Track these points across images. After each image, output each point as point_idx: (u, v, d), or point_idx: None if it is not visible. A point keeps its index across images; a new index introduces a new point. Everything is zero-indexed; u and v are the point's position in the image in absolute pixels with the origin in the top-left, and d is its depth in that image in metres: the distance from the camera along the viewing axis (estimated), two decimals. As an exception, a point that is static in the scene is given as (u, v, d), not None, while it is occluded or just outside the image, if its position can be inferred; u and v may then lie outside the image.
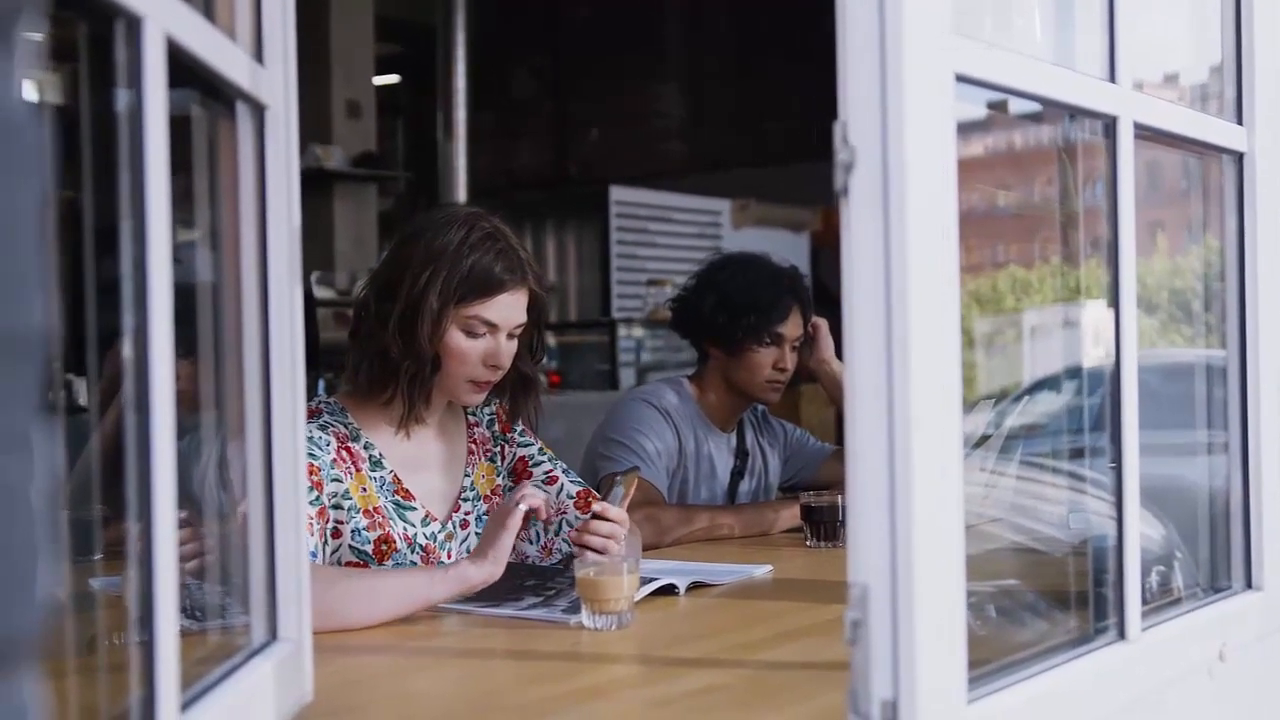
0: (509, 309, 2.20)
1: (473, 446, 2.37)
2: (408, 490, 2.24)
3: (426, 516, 2.24)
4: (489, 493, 2.37)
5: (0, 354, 0.56)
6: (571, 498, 2.35)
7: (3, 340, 0.56)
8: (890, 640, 1.17)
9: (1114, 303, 1.53)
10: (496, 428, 2.42)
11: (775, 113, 9.05)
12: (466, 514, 2.32)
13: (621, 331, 7.52)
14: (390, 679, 1.69)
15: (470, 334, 2.18)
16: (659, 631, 1.93)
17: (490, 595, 2.04)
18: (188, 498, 1.17)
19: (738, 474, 3.14)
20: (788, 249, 6.79)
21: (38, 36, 0.62)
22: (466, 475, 2.34)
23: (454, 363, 2.19)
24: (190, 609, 1.32)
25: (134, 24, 0.99)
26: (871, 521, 1.17)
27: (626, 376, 7.44)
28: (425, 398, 2.22)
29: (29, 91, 0.59)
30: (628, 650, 1.79)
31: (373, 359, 2.20)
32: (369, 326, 2.19)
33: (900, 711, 1.16)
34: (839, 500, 2.66)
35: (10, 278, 0.57)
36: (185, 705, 1.09)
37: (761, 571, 2.36)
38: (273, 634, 1.37)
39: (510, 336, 2.22)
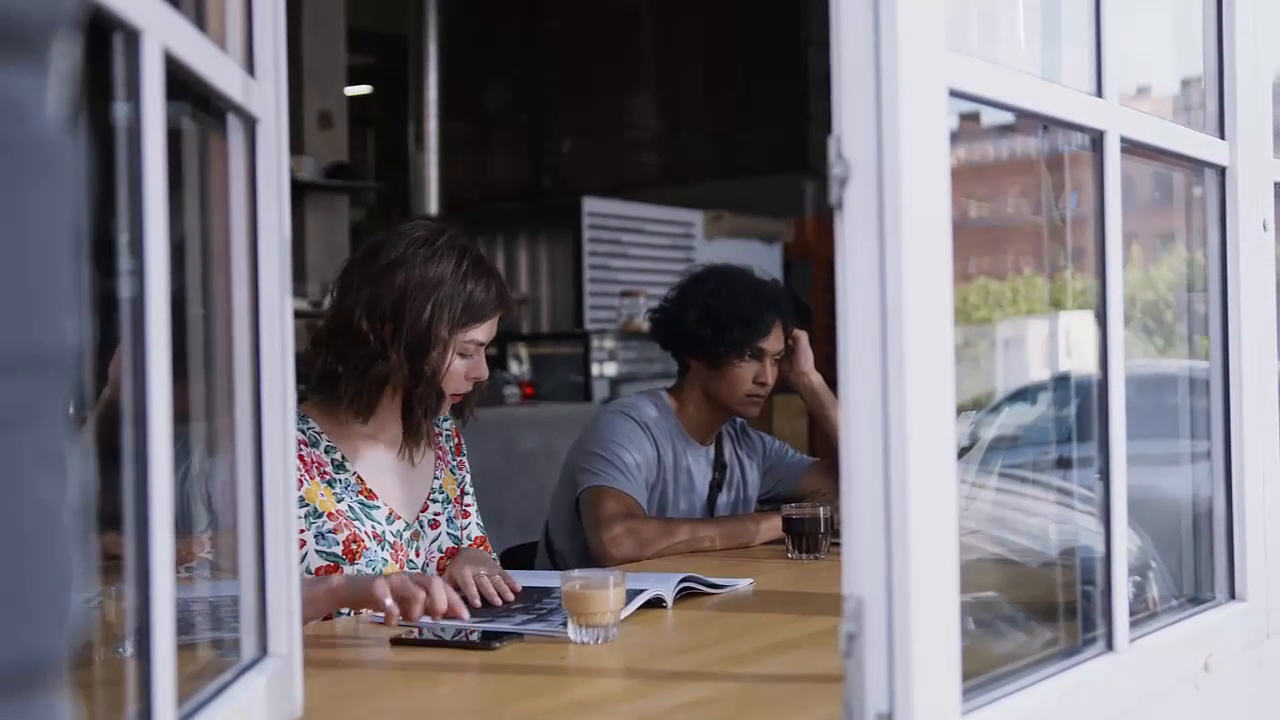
0: (494, 327, 2.34)
1: (439, 453, 2.46)
2: (371, 490, 2.30)
3: (390, 514, 2.30)
4: (455, 498, 2.46)
5: (35, 371, 0.56)
6: (470, 540, 2.44)
7: (38, 358, 0.56)
8: (885, 653, 1.17)
9: (1101, 315, 1.54)
10: (452, 445, 2.52)
11: (748, 125, 9.07)
12: (436, 514, 2.40)
13: (595, 343, 7.50)
14: (379, 694, 1.68)
15: (462, 355, 2.30)
16: (645, 645, 1.92)
17: (482, 613, 2.03)
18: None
19: (716, 487, 3.14)
20: (760, 260, 6.78)
21: (72, 55, 0.62)
22: (436, 478, 2.43)
23: (446, 382, 2.29)
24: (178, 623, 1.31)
25: (132, 37, 0.98)
26: (866, 534, 1.17)
27: (600, 388, 7.42)
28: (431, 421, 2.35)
29: (62, 109, 0.59)
30: (615, 664, 1.79)
31: (375, 384, 2.26)
32: (365, 351, 2.23)
33: (895, 724, 1.16)
34: (820, 512, 2.66)
35: (45, 295, 0.57)
36: (179, 722, 1.08)
37: (744, 584, 2.36)
38: (263, 649, 1.36)
39: (487, 350, 2.35)
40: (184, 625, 1.38)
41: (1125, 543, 1.54)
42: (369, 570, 2.22)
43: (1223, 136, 1.83)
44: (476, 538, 2.46)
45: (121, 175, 1.01)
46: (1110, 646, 1.52)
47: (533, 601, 2.13)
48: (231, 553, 1.38)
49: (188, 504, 1.50)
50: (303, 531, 2.18)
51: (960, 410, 2.22)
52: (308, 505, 2.20)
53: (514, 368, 7.45)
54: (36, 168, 0.56)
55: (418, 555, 2.35)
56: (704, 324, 3.00)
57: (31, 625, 0.56)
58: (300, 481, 2.20)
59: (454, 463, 2.50)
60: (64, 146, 0.58)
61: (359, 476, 2.29)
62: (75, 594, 0.59)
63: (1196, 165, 1.84)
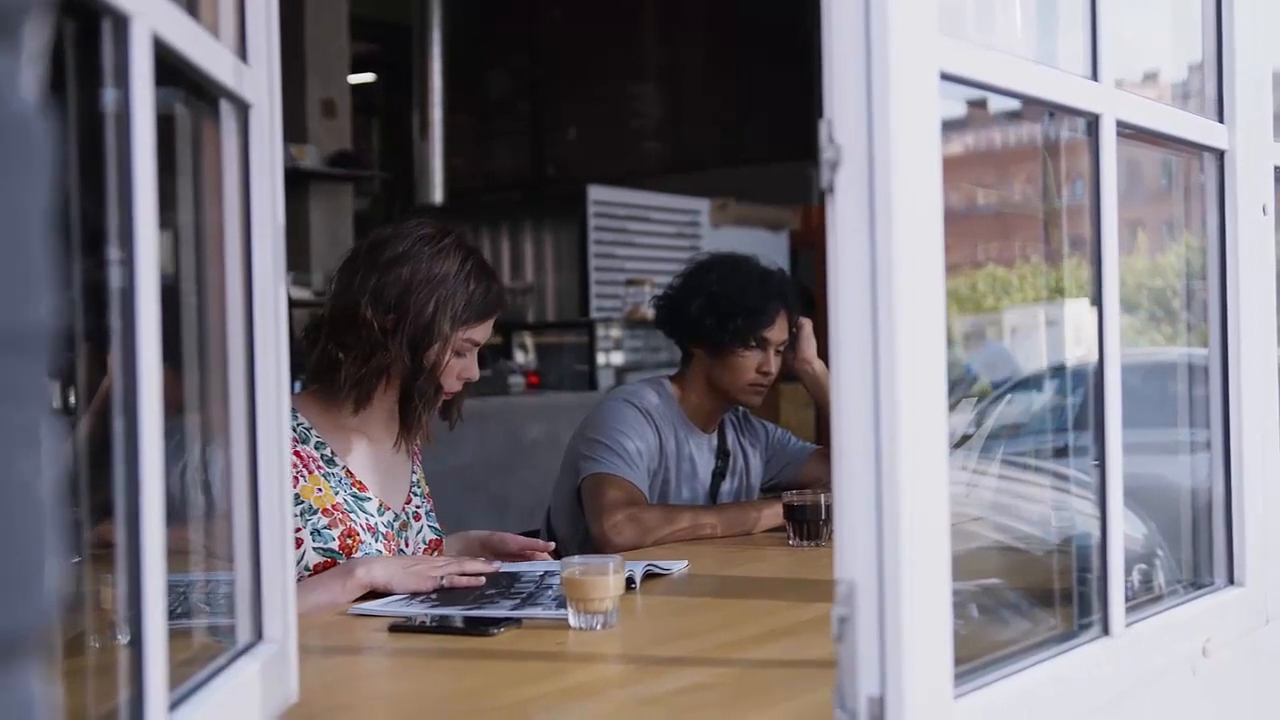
0: (490, 329, 2.38)
1: (415, 450, 2.50)
2: (361, 482, 2.33)
3: (381, 506, 2.34)
4: (427, 494, 2.51)
5: (10, 350, 0.57)
6: (425, 543, 2.45)
7: (12, 337, 0.57)
8: (877, 637, 1.17)
9: (1097, 301, 1.54)
10: (418, 444, 2.54)
11: (753, 112, 9.07)
12: (417, 508, 2.45)
13: (600, 332, 7.50)
14: (375, 680, 1.68)
15: (458, 354, 2.33)
16: (644, 631, 1.93)
17: (463, 601, 2.03)
18: (169, 499, 1.16)
19: (719, 474, 3.14)
20: (766, 249, 6.80)
21: (43, 36, 0.62)
22: (414, 472, 2.47)
23: (442, 377, 2.32)
24: (173, 609, 1.31)
25: (121, 23, 0.98)
26: (858, 518, 1.17)
27: (605, 377, 7.43)
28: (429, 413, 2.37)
29: (34, 90, 0.59)
30: (613, 649, 1.79)
31: (374, 374, 2.28)
32: (368, 340, 2.26)
33: (887, 708, 1.16)
34: (821, 499, 2.66)
35: (19, 276, 0.57)
36: (172, 706, 1.08)
37: (679, 567, 2.37)
38: (258, 635, 1.37)
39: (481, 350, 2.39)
40: (183, 610, 1.39)
41: (1121, 528, 1.54)
42: None
43: (1222, 120, 1.83)
44: (431, 540, 2.47)
45: (111, 163, 1.01)
46: (1106, 631, 1.52)
47: (506, 587, 2.14)
48: (228, 539, 1.39)
49: (190, 495, 1.51)
50: (299, 530, 2.19)
51: (968, 397, 2.23)
52: (303, 503, 2.22)
53: (519, 357, 7.46)
54: (8, 149, 0.57)
55: (406, 545, 2.38)
56: (708, 312, 3.00)
57: (5, 601, 0.56)
58: (297, 479, 2.22)
59: (422, 461, 2.54)
60: (37, 128, 0.59)
61: (348, 470, 2.32)
62: (51, 572, 0.60)
63: (1195, 149, 1.83)
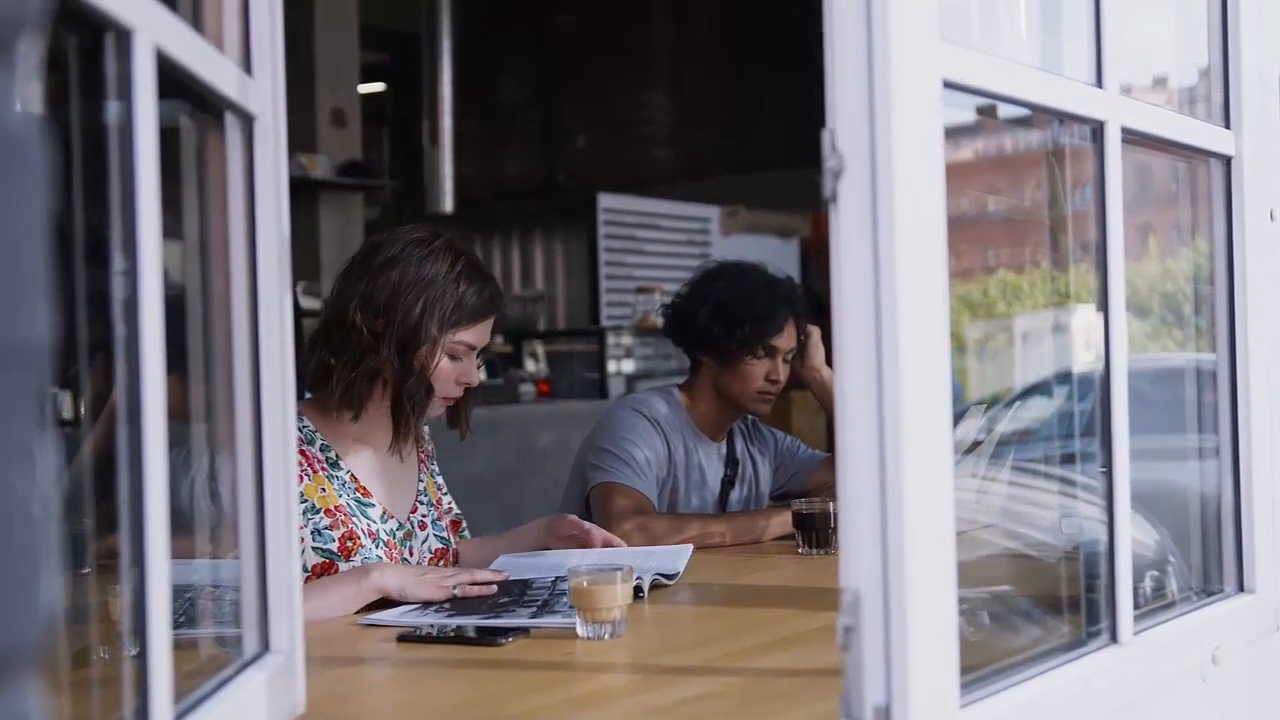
0: (487, 333, 2.36)
1: (423, 457, 2.50)
2: (365, 488, 2.33)
3: (384, 513, 2.34)
4: (435, 501, 2.49)
5: (5, 364, 0.57)
6: (430, 553, 2.44)
7: (7, 351, 0.57)
8: (883, 645, 1.17)
9: (1103, 306, 1.53)
10: (431, 450, 2.55)
11: (763, 119, 9.06)
12: (423, 516, 2.44)
13: (610, 339, 7.50)
14: (383, 690, 1.68)
15: (452, 357, 2.32)
16: (652, 640, 1.92)
17: (477, 611, 2.03)
18: (177, 510, 1.17)
19: (728, 483, 3.14)
20: (777, 255, 6.80)
21: (39, 50, 0.62)
22: (420, 480, 2.46)
23: (435, 382, 2.32)
24: (179, 619, 1.31)
25: (124, 36, 0.98)
26: (863, 527, 1.17)
27: (615, 385, 7.43)
28: (419, 417, 2.35)
29: (30, 105, 0.60)
30: (621, 659, 1.79)
31: (365, 378, 2.28)
32: (358, 344, 2.27)
33: (893, 716, 1.16)
34: (830, 507, 2.65)
35: (14, 289, 0.57)
36: (178, 717, 1.09)
37: (685, 556, 2.40)
38: (265, 645, 1.37)
39: (479, 356, 2.37)
40: (188, 619, 1.39)
41: (1129, 535, 1.53)
42: None
43: (1229, 126, 1.82)
44: (438, 549, 2.47)
45: (115, 175, 1.02)
46: (1114, 639, 1.52)
47: (519, 595, 2.14)
48: (234, 549, 1.39)
49: (198, 506, 1.51)
50: (301, 528, 2.19)
51: (978, 404, 2.22)
52: (306, 501, 2.23)
53: (530, 365, 7.45)
54: (4, 164, 0.57)
55: (410, 554, 2.38)
56: (716, 321, 3.00)
57: (1, 617, 0.56)
58: (301, 477, 2.22)
59: (433, 468, 2.54)
60: (33, 143, 0.59)
61: (353, 475, 2.32)
62: (45, 586, 0.60)
63: (1202, 155, 1.83)
